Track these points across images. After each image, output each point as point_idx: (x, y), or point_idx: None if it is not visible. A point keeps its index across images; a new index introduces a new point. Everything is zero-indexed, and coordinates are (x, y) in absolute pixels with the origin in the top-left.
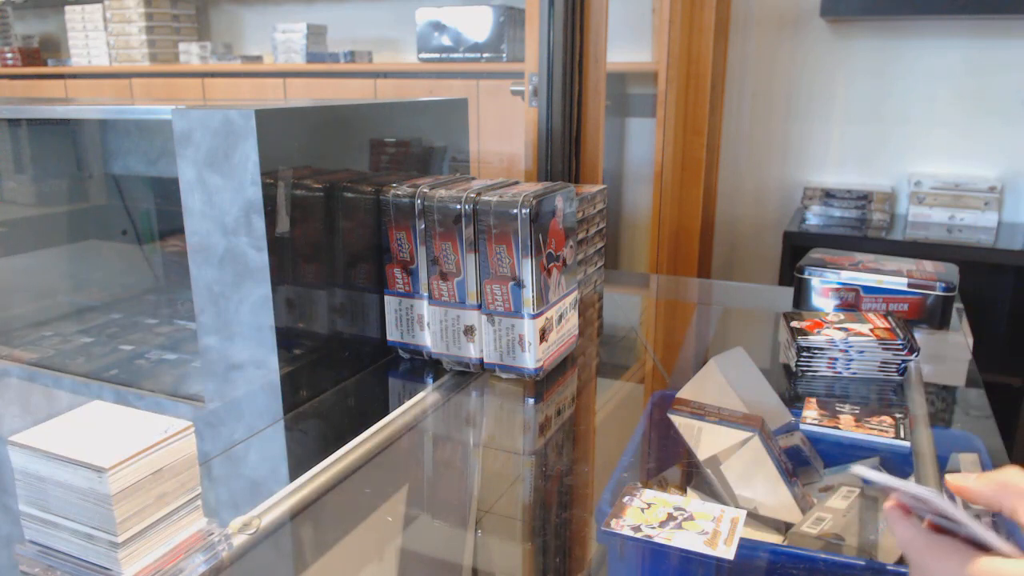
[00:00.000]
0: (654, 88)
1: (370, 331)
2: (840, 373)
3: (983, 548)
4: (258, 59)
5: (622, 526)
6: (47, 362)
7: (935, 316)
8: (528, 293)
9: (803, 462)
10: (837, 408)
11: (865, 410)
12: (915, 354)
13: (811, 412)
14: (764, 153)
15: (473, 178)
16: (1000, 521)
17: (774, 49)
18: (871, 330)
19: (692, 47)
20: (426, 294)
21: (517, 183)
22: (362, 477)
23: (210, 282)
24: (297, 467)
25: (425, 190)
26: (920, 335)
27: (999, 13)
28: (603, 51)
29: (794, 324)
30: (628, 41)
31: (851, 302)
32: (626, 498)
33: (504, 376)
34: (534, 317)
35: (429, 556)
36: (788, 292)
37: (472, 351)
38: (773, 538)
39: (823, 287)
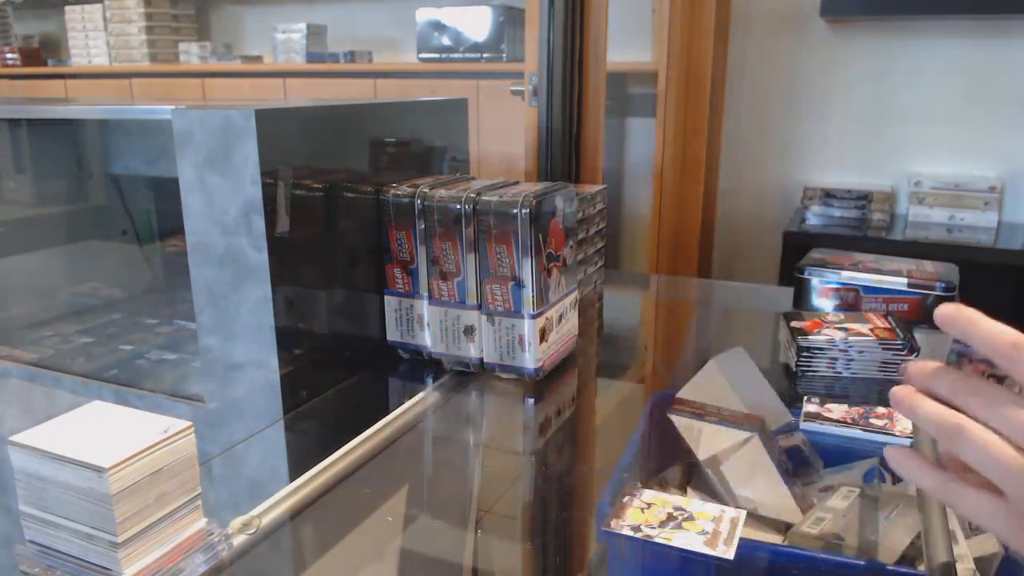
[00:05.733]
0: (654, 88)
1: (370, 331)
2: (840, 373)
3: None
4: (258, 59)
5: (622, 526)
6: (47, 362)
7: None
8: (528, 293)
9: (803, 462)
10: (837, 408)
11: (865, 410)
12: (915, 354)
13: (811, 412)
14: (764, 153)
15: (473, 178)
16: None
17: (774, 49)
18: (871, 330)
19: (692, 47)
20: (426, 294)
21: (517, 183)
22: (362, 477)
23: (210, 282)
24: (297, 467)
25: (425, 190)
26: (920, 335)
27: (999, 13)
28: (603, 51)
29: (794, 324)
30: (628, 41)
31: (851, 302)
32: (626, 498)
33: (504, 376)
34: (534, 317)
35: (429, 556)
36: (788, 292)
37: (472, 351)
38: (773, 538)
39: (823, 287)
